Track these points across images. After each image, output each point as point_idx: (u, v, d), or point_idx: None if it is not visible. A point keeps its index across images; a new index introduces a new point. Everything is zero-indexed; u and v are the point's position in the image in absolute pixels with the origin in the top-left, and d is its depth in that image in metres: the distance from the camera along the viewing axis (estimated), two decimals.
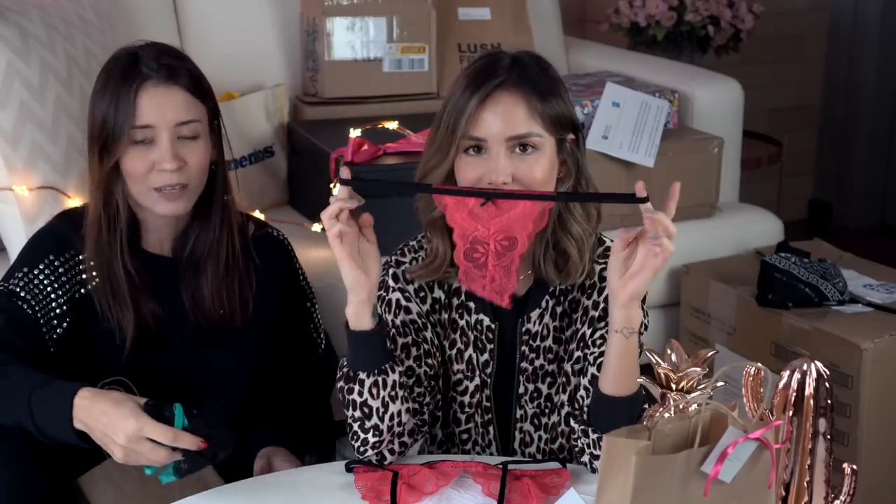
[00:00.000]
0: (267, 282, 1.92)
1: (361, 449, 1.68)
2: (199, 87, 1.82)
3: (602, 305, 1.69)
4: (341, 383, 1.66)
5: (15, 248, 2.16)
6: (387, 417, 1.65)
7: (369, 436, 1.66)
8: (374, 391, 1.64)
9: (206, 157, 1.82)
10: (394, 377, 1.65)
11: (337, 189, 1.57)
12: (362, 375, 1.64)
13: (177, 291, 1.85)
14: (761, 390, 1.42)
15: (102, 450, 1.74)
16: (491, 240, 1.57)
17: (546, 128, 1.63)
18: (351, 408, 1.66)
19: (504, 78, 1.62)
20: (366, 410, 1.65)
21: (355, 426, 1.67)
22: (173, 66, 1.79)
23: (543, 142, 1.63)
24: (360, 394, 1.64)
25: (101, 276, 1.80)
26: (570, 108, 1.68)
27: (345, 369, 1.66)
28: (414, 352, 1.73)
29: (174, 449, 1.55)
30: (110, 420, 1.56)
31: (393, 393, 1.65)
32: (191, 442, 1.56)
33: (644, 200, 1.48)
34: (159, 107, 1.76)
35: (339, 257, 1.57)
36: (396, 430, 1.67)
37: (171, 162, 1.76)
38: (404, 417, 1.67)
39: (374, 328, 1.61)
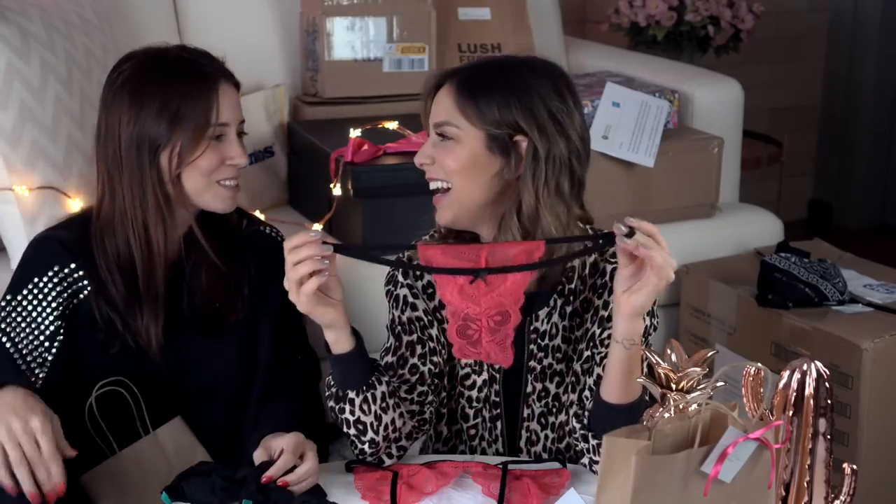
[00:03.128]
0: (259, 280, 1.88)
1: (360, 456, 1.70)
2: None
3: (612, 305, 1.68)
4: (331, 403, 1.67)
5: (15, 248, 2.16)
6: (381, 428, 1.66)
7: (366, 447, 1.68)
8: (365, 407, 1.65)
9: None
10: (382, 389, 1.65)
11: (308, 241, 1.53)
12: (351, 394, 1.64)
13: (176, 293, 1.83)
14: (761, 390, 1.42)
15: (106, 448, 1.74)
16: (483, 316, 1.56)
17: (469, 120, 1.64)
18: (345, 426, 1.67)
19: (457, 70, 1.69)
20: (360, 427, 1.66)
21: (353, 438, 1.68)
22: (225, 68, 1.84)
23: (462, 134, 1.65)
24: (352, 412, 1.65)
25: (119, 291, 1.78)
26: (527, 112, 1.63)
27: (333, 389, 1.66)
28: (419, 349, 1.73)
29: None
30: (17, 411, 1.55)
31: (384, 404, 1.65)
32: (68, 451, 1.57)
33: (630, 234, 1.47)
34: (232, 105, 1.82)
35: (317, 312, 1.57)
36: (393, 436, 1.68)
37: (243, 157, 1.81)
38: (398, 423, 1.68)
39: (355, 348, 1.62)
